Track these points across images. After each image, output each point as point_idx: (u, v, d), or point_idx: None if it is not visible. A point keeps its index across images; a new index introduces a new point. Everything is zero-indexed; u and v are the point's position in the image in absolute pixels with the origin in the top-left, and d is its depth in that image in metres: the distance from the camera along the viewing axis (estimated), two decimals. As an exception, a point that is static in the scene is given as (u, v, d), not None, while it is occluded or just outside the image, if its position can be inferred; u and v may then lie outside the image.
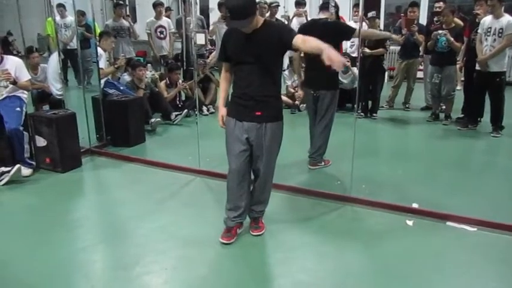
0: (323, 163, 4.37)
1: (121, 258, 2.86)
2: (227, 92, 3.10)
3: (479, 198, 3.70)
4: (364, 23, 6.20)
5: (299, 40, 2.63)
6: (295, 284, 2.60)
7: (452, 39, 5.65)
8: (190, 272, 2.72)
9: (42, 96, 5.55)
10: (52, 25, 6.97)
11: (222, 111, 2.97)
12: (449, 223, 3.23)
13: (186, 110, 6.16)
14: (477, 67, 5.40)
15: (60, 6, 7.87)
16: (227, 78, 3.04)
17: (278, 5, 6.76)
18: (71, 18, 7.60)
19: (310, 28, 4.24)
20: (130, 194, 3.86)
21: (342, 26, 4.23)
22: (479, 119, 5.78)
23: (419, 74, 6.93)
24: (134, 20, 9.82)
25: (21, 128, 4.16)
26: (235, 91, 2.92)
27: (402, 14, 9.23)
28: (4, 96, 4.24)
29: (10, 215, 3.50)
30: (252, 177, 3.05)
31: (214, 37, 7.29)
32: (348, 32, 4.12)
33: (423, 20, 7.60)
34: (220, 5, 6.60)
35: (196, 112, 4.62)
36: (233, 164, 2.90)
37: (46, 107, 5.45)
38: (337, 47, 4.06)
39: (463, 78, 6.20)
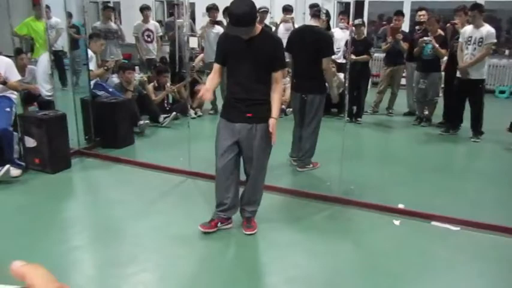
0: (311, 165, 4.47)
1: (115, 257, 2.90)
2: (213, 88, 3.17)
3: (461, 199, 3.85)
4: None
5: (277, 77, 2.91)
6: (287, 280, 2.69)
7: (437, 46, 5.85)
8: (185, 270, 2.77)
9: (28, 97, 5.52)
10: (29, 26, 6.91)
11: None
12: (433, 223, 3.36)
13: (174, 113, 6.20)
14: (458, 74, 5.59)
15: (46, 7, 7.83)
16: (214, 79, 3.04)
17: (266, 11, 6.87)
18: (55, 19, 7.58)
19: (301, 34, 4.35)
20: (121, 194, 3.89)
21: (329, 46, 4.27)
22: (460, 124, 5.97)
23: (403, 81, 7.12)
24: (119, 23, 9.80)
25: (11, 129, 4.15)
26: (228, 94, 3.02)
27: (384, 22, 9.48)
28: (-6, 96, 4.22)
29: (0, 215, 3.48)
30: (244, 178, 3.13)
31: (202, 41, 7.35)
32: (325, 53, 4.17)
33: (405, 28, 7.80)
34: (209, 9, 6.67)
35: (188, 115, 4.67)
36: (219, 163, 3.01)
37: (32, 108, 5.42)
38: (321, 55, 4.16)
39: (443, 85, 6.41)
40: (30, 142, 4.28)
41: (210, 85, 3.04)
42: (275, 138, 2.96)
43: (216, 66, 3.04)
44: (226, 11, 6.47)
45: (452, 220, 3.34)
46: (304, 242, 3.10)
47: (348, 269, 2.81)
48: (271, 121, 2.92)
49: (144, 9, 7.45)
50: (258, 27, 2.84)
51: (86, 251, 2.98)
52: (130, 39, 7.73)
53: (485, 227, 3.26)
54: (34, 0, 6.95)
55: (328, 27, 4.75)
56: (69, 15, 7.40)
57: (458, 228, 3.28)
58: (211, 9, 6.63)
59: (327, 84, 4.37)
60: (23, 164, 4.26)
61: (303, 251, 2.99)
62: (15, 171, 4.10)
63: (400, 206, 3.58)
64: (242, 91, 2.90)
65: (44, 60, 5.23)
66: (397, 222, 3.37)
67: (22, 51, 5.59)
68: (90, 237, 3.18)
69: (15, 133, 4.21)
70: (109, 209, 3.62)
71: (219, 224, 3.15)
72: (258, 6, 6.50)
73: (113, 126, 5.09)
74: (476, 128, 5.65)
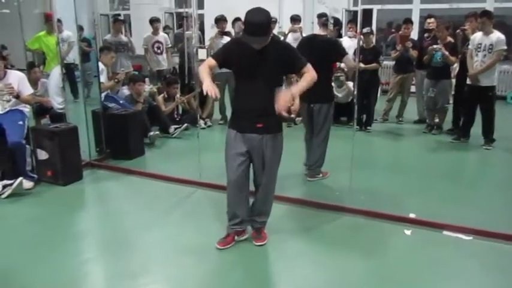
0: (321, 175, 4.46)
1: (126, 269, 2.91)
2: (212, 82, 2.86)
3: (473, 208, 3.80)
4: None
5: (306, 71, 2.89)
6: (298, 292, 2.67)
7: (447, 53, 5.83)
8: (195, 281, 2.78)
9: (40, 110, 5.61)
10: (41, 41, 7.02)
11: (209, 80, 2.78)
12: (445, 232, 3.32)
13: (186, 124, 6.25)
14: (468, 81, 5.55)
15: (58, 21, 7.97)
16: (209, 74, 2.84)
17: (275, 21, 6.91)
18: (67, 32, 7.71)
19: (309, 42, 4.37)
20: (132, 205, 3.91)
21: (338, 48, 4.35)
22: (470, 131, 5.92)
23: (412, 89, 7.09)
24: (130, 35, 9.95)
25: (24, 142, 4.22)
26: (238, 104, 3.02)
27: (393, 30, 9.48)
28: (7, 109, 4.29)
29: (13, 228, 3.52)
30: (253, 188, 3.13)
31: (211, 52, 7.40)
32: (339, 56, 4.29)
33: (414, 35, 7.79)
34: (217, 21, 6.73)
35: (197, 125, 4.71)
36: (231, 176, 2.99)
37: (44, 120, 5.50)
38: (331, 63, 4.21)
39: (453, 92, 6.38)
40: (43, 154, 4.34)
41: (210, 81, 2.79)
42: (283, 106, 2.82)
43: (212, 62, 2.90)
44: (237, 21, 6.58)
45: (465, 229, 3.30)
46: (314, 253, 3.09)
47: (359, 280, 2.78)
48: (287, 92, 2.84)
49: (154, 21, 7.56)
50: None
51: (98, 263, 3.00)
52: (140, 51, 7.83)
53: (498, 236, 3.22)
54: (47, 15, 7.06)
55: (339, 36, 4.78)
56: (81, 29, 7.54)
57: (470, 238, 3.24)
58: (220, 20, 6.69)
59: (335, 92, 4.39)
60: (35, 176, 4.33)
61: (313, 262, 2.98)
62: (27, 184, 4.16)
63: (411, 215, 3.55)
64: (253, 101, 2.88)
65: (56, 73, 5.32)
66: (408, 232, 3.34)
67: (34, 65, 5.69)
68: (101, 248, 3.20)
69: (27, 146, 4.28)
70: (120, 220, 3.65)
71: (236, 238, 3.15)
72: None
73: (124, 137, 5.14)
74: (488, 136, 5.60)
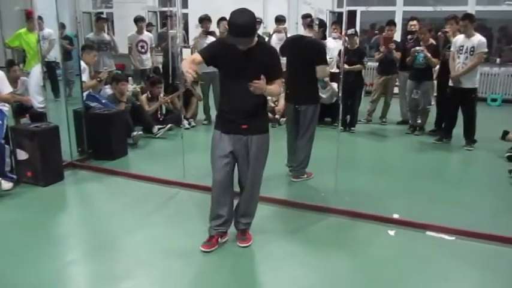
0: (305, 176, 4.46)
1: (110, 272, 2.86)
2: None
3: (456, 208, 3.84)
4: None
5: (276, 82, 2.88)
6: (284, 294, 2.66)
7: (429, 55, 5.91)
8: (180, 284, 2.75)
9: (20, 109, 5.49)
10: (21, 38, 6.87)
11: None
12: (428, 232, 3.35)
13: (170, 125, 6.19)
14: (450, 83, 5.63)
15: (39, 18, 7.81)
16: (192, 66, 2.79)
17: (259, 21, 6.90)
18: (48, 30, 7.57)
19: (294, 43, 4.36)
20: (115, 207, 3.85)
21: (321, 54, 4.29)
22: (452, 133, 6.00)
23: (396, 90, 7.16)
24: (113, 34, 9.82)
25: (3, 141, 4.12)
26: (223, 105, 2.99)
27: (377, 32, 9.56)
28: (-15, 109, 4.19)
29: (-8, 230, 3.44)
30: (239, 189, 3.11)
31: (195, 52, 7.35)
32: (320, 62, 4.22)
33: (397, 37, 7.87)
34: (202, 20, 6.68)
35: (181, 125, 4.67)
36: (217, 176, 2.97)
37: (24, 120, 5.39)
38: (314, 65, 4.20)
39: (435, 94, 6.47)
40: (22, 155, 4.24)
41: (191, 68, 2.73)
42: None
43: (199, 58, 2.84)
44: (222, 21, 6.56)
45: (447, 230, 3.34)
46: (299, 254, 3.08)
47: (345, 280, 2.79)
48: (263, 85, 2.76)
49: (139, 20, 7.47)
50: (254, 38, 2.83)
51: (81, 266, 2.94)
52: (123, 49, 7.73)
53: (480, 236, 3.26)
54: (28, 13, 6.92)
55: (324, 37, 4.80)
56: (62, 26, 7.40)
57: (453, 238, 3.27)
58: (204, 20, 6.64)
59: (319, 93, 4.37)
60: (14, 177, 4.22)
61: (299, 263, 2.97)
62: (6, 185, 4.07)
63: (395, 216, 3.57)
64: (238, 102, 2.87)
65: (36, 71, 5.21)
66: (391, 233, 3.36)
67: (14, 63, 5.56)
68: (84, 251, 3.13)
69: (6, 146, 4.18)
70: (103, 222, 3.59)
71: (219, 240, 3.12)
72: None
73: (106, 137, 5.06)
74: (469, 137, 5.68)
